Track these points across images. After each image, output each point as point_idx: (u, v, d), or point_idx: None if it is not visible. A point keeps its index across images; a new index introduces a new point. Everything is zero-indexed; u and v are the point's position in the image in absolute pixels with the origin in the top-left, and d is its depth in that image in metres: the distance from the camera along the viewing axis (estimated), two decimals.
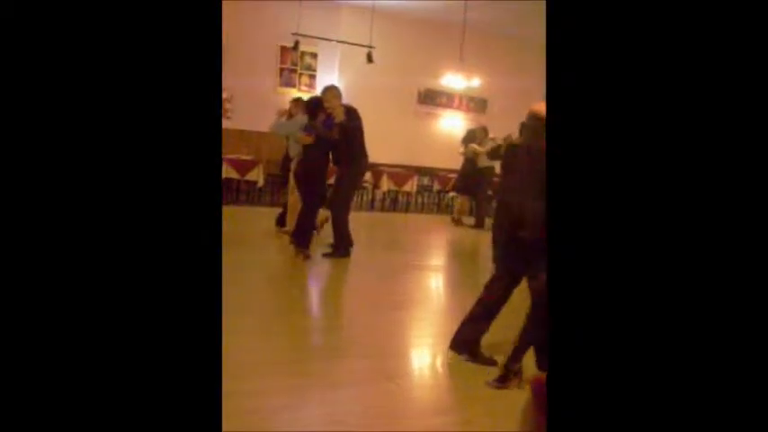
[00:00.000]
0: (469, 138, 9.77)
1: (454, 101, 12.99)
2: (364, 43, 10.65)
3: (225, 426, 2.27)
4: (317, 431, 2.47)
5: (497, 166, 7.93)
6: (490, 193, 9.93)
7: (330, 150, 5.93)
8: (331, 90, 5.99)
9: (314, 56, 11.76)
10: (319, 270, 5.73)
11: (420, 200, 11.95)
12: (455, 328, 3.37)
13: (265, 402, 2.62)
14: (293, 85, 11.70)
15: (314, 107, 5.97)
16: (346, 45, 11.20)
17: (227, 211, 7.15)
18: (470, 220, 9.57)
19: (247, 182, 9.65)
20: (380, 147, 11.18)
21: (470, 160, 9.47)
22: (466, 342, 3.38)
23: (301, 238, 5.97)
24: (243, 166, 9.40)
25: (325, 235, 6.45)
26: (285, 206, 7.08)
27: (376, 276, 5.71)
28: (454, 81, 11.43)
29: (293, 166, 6.37)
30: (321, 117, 5.88)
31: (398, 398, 2.85)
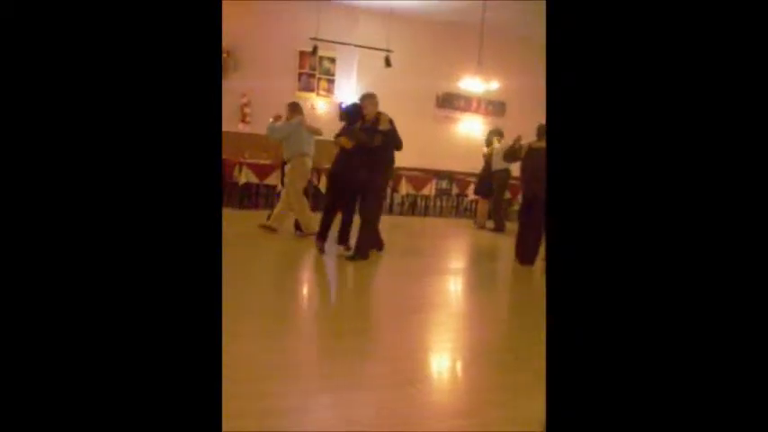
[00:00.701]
0: (489, 139, 9.75)
1: (472, 104, 12.96)
2: (382, 47, 10.69)
3: (245, 426, 2.31)
4: None
5: (514, 168, 7.90)
6: (508, 196, 9.86)
7: (366, 156, 5.96)
8: (370, 97, 6.10)
9: (332, 60, 11.81)
10: (340, 273, 5.75)
11: (439, 203, 11.92)
12: (474, 332, 3.36)
13: (283, 404, 2.63)
14: (312, 90, 11.76)
15: (353, 114, 6.08)
16: (364, 49, 11.24)
17: (246, 216, 7.22)
18: (491, 224, 9.48)
19: (266, 186, 9.69)
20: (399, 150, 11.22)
21: (486, 164, 9.43)
22: None
23: (347, 238, 6.21)
24: (262, 171, 9.45)
25: (332, 236, 6.47)
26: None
27: (395, 280, 5.71)
28: (472, 84, 11.40)
29: (332, 167, 6.47)
30: (359, 124, 5.98)
31: (417, 402, 2.85)
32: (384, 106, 6.19)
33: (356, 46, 11.29)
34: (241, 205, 9.16)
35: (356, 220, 6.30)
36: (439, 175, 11.57)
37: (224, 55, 10.75)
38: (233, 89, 10.91)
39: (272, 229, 6.96)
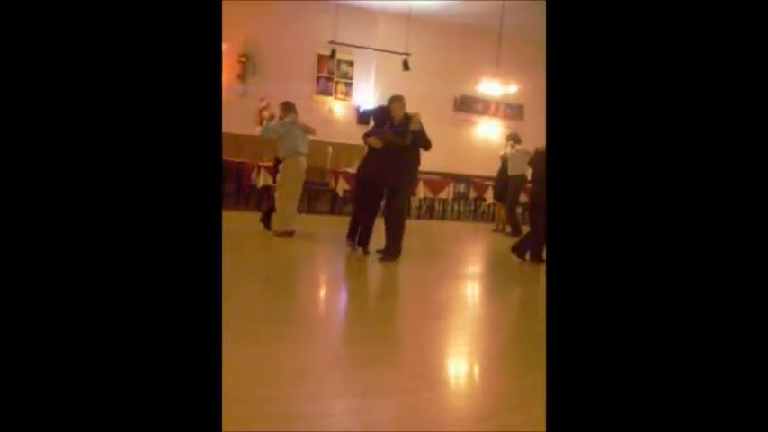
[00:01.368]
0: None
1: (490, 107, 12.93)
2: (400, 51, 10.70)
3: (264, 429, 2.32)
4: None
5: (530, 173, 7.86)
6: (525, 200, 9.77)
7: (395, 156, 6.01)
8: (398, 99, 6.17)
9: (350, 64, 11.85)
10: (358, 278, 5.75)
11: (456, 207, 11.89)
12: (492, 337, 3.32)
13: (301, 408, 2.63)
14: (329, 93, 11.81)
15: (382, 116, 6.18)
16: (382, 53, 11.26)
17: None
18: (510, 228, 9.42)
19: None
20: None
21: (504, 168, 9.36)
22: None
23: (368, 240, 6.30)
24: None
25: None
26: (272, 208, 7.21)
27: (413, 284, 5.70)
28: (491, 88, 11.37)
29: (360, 169, 6.54)
30: (387, 125, 6.07)
31: (437, 406, 2.83)
32: None
33: (374, 49, 11.32)
34: (259, 208, 9.20)
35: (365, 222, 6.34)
36: (456, 178, 11.55)
37: (242, 59, 10.84)
38: (251, 93, 10.99)
39: (288, 233, 6.96)
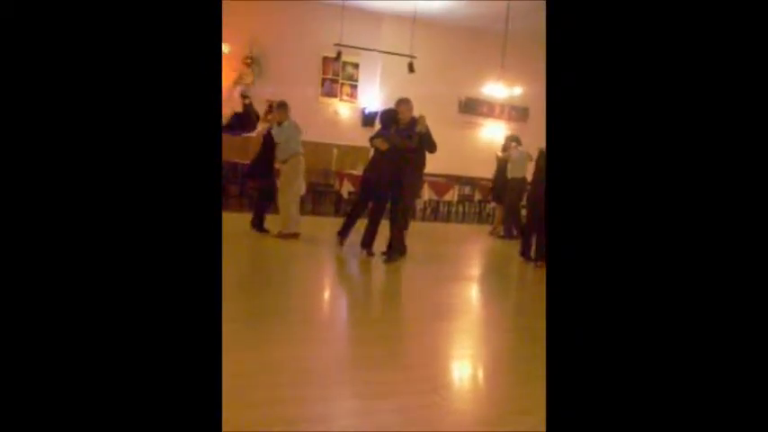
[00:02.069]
0: (507, 145, 9.56)
1: (495, 110, 12.92)
2: (405, 53, 10.70)
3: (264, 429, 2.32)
4: None
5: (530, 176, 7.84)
6: (524, 203, 9.66)
7: (401, 158, 6.02)
8: (405, 102, 6.20)
9: (355, 66, 11.86)
10: (361, 280, 5.75)
11: (461, 209, 11.88)
12: (495, 339, 3.32)
13: (306, 410, 2.63)
14: (335, 95, 11.82)
15: (389, 118, 6.24)
16: (388, 55, 11.26)
17: (270, 219, 7.25)
18: (501, 230, 9.33)
19: None
20: None
21: (502, 170, 9.25)
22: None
23: (372, 242, 6.31)
24: None
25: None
26: (263, 208, 7.23)
27: (418, 286, 5.70)
28: (496, 90, 11.35)
29: (366, 170, 6.60)
30: (393, 128, 6.12)
31: (442, 409, 2.83)
32: None
33: (380, 51, 11.32)
34: (266, 210, 9.19)
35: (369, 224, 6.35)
36: (461, 180, 11.54)
37: (248, 61, 10.85)
38: (257, 95, 10.99)
39: (293, 235, 6.96)
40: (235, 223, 7.27)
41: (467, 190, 11.58)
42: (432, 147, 6.15)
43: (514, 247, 7.73)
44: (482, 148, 12.65)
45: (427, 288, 5.58)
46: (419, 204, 11.24)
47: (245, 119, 7.20)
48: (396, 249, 6.23)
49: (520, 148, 9.00)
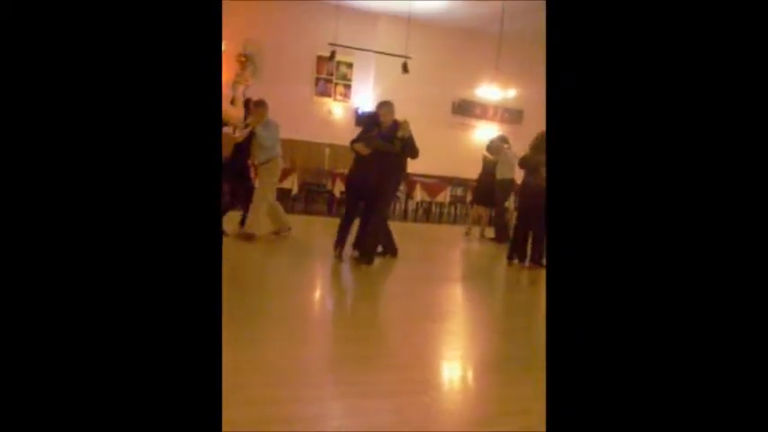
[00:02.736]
0: (490, 147, 9.34)
1: (489, 111, 12.94)
2: (400, 53, 10.70)
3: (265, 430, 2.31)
4: None
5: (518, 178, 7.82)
6: (508, 205, 9.59)
7: (382, 162, 5.97)
8: (387, 105, 6.14)
9: (350, 66, 11.86)
10: (352, 280, 5.74)
11: (453, 211, 11.90)
12: (486, 341, 3.30)
13: (297, 410, 2.62)
14: (328, 95, 11.81)
15: (370, 121, 6.15)
16: (382, 55, 11.26)
17: (231, 218, 7.19)
18: (490, 233, 9.19)
19: (282, 189, 9.73)
20: None
21: (488, 171, 9.13)
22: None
23: (362, 245, 6.16)
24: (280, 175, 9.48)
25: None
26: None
27: (409, 287, 5.69)
28: (489, 92, 11.38)
29: (348, 174, 6.46)
30: (375, 131, 6.03)
31: (432, 409, 2.83)
32: (400, 112, 6.22)
33: (374, 51, 11.32)
34: None
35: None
36: (453, 182, 11.55)
37: (242, 59, 10.82)
38: (252, 94, 10.97)
39: (251, 237, 6.77)
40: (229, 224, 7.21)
41: (459, 191, 11.58)
42: (414, 152, 6.06)
43: (503, 248, 7.75)
44: (475, 149, 12.63)
45: (421, 289, 5.57)
46: (411, 205, 11.25)
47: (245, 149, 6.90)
48: (368, 253, 6.08)
49: (508, 148, 8.95)
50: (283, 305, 4.46)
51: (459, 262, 7.89)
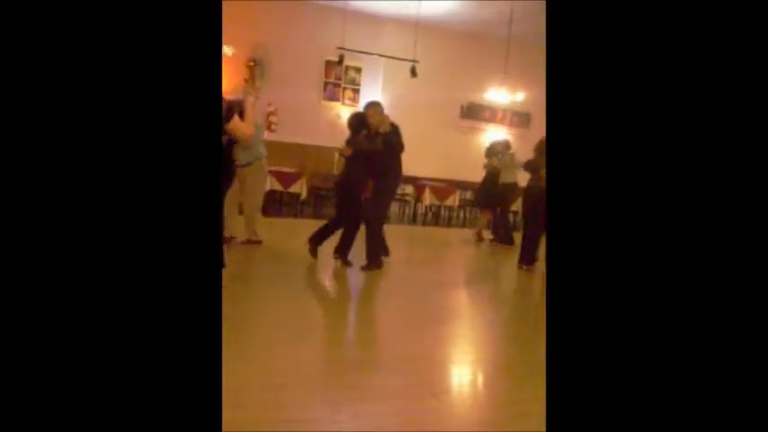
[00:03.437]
0: (492, 151, 9.44)
1: (497, 115, 12.92)
2: (408, 57, 10.71)
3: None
4: None
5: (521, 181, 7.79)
6: (515, 209, 9.61)
7: (369, 163, 5.93)
8: (374, 105, 6.08)
9: (358, 70, 11.88)
10: (358, 284, 5.74)
11: (462, 214, 11.88)
12: (494, 344, 3.30)
13: (305, 414, 2.62)
14: (337, 99, 11.83)
15: (358, 123, 6.05)
16: (390, 59, 11.27)
17: (271, 223, 7.22)
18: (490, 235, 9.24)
19: (290, 194, 9.76)
20: (423, 161, 11.22)
21: (492, 174, 9.18)
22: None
23: (346, 251, 6.10)
24: (286, 179, 9.52)
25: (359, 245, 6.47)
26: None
27: (415, 291, 5.68)
28: (498, 95, 11.36)
29: (337, 177, 6.41)
30: (364, 132, 5.96)
31: (440, 413, 2.82)
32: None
33: (382, 56, 11.33)
34: (265, 213, 9.21)
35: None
36: (463, 185, 11.54)
37: (250, 63, 10.86)
38: (259, 98, 11.01)
39: (258, 242, 6.73)
40: None
41: (468, 195, 11.57)
42: (397, 146, 5.88)
43: (512, 250, 7.72)
44: (484, 153, 12.65)
45: (428, 293, 5.56)
46: (420, 209, 11.25)
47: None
48: (371, 258, 6.01)
49: (508, 152, 8.99)
50: (284, 308, 4.45)
51: (467, 265, 7.87)
